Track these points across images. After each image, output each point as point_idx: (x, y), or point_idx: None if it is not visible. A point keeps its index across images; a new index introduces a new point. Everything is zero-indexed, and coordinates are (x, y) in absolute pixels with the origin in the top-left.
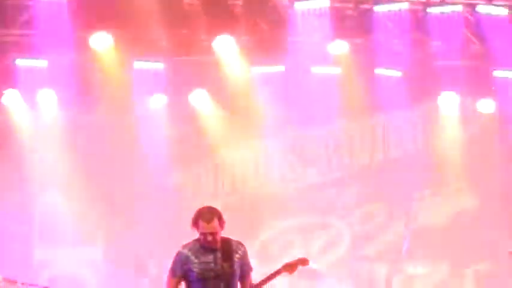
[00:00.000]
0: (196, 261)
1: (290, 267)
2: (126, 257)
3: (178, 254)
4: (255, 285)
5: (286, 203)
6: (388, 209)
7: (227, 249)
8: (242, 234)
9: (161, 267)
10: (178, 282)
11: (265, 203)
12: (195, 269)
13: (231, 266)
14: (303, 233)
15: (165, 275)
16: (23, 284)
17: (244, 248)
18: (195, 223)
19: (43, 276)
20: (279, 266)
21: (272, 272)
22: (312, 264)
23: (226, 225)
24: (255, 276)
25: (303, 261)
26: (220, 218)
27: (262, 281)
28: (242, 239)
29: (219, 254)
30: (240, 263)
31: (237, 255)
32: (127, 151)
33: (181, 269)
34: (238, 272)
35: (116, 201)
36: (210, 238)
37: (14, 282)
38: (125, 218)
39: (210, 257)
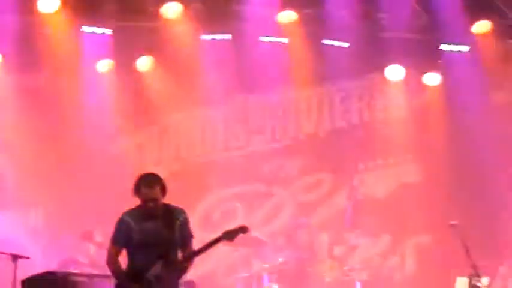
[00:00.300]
0: (137, 228)
1: (230, 235)
2: (69, 223)
3: (120, 220)
4: (194, 251)
5: (230, 170)
6: (332, 179)
7: (168, 217)
8: (185, 201)
9: (105, 235)
10: (119, 249)
11: (209, 171)
12: (136, 236)
13: (172, 233)
14: (246, 201)
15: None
16: None
17: (186, 215)
18: (137, 189)
19: None
20: (220, 233)
21: (212, 239)
22: (253, 232)
23: (170, 192)
24: (197, 244)
25: (244, 229)
26: (162, 185)
27: (202, 247)
28: (185, 206)
29: (160, 221)
30: (181, 231)
31: (178, 223)
32: (72, 116)
33: (122, 236)
34: (179, 239)
35: (59, 165)
36: (151, 204)
37: None
38: (69, 183)
39: (151, 224)
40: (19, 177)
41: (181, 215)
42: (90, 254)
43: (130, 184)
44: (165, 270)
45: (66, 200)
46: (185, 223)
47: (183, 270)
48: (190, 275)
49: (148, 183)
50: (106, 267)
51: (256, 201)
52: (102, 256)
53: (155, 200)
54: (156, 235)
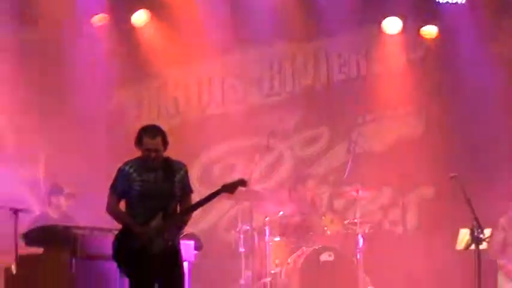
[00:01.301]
0: (138, 178)
1: (229, 188)
2: (67, 177)
3: (120, 170)
4: (193, 204)
5: (229, 125)
6: (330, 133)
7: (168, 170)
8: (184, 156)
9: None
10: (119, 199)
11: (207, 125)
12: (136, 187)
13: (171, 187)
14: (245, 155)
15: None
16: None
17: (186, 168)
18: (139, 140)
19: None
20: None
21: (211, 192)
22: (253, 186)
23: (169, 147)
24: (196, 198)
25: (242, 182)
26: (164, 137)
27: (201, 200)
28: (184, 160)
29: (160, 174)
30: (180, 184)
31: (178, 176)
32: (69, 70)
33: (122, 186)
34: (178, 192)
35: (57, 121)
36: (153, 155)
37: None
38: (67, 138)
39: (151, 176)
40: (18, 132)
41: (181, 168)
42: (60, 206)
43: (128, 139)
44: (165, 223)
45: (64, 155)
46: (185, 177)
47: (183, 223)
48: (192, 229)
49: (151, 133)
50: (76, 220)
51: (256, 155)
52: (72, 209)
53: (157, 150)
54: (156, 187)
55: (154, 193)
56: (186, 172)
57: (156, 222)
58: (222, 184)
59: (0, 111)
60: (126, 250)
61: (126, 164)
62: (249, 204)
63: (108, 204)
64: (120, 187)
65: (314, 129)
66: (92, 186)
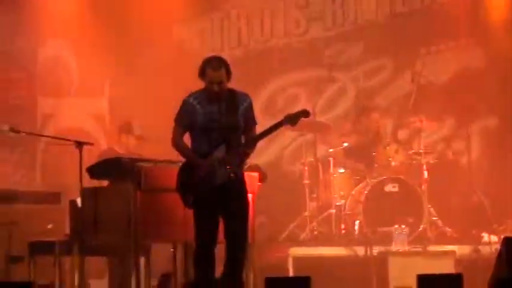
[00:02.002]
0: (201, 110)
1: (292, 119)
2: (131, 109)
3: (184, 102)
4: (257, 135)
5: (291, 57)
6: (393, 64)
7: (232, 101)
8: (247, 87)
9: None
10: (183, 132)
11: (270, 57)
12: (199, 119)
13: (235, 118)
14: (308, 87)
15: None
16: (28, 134)
17: (250, 100)
18: (202, 71)
19: (48, 127)
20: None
21: (274, 123)
22: (317, 118)
23: (232, 78)
24: (259, 130)
25: (305, 113)
26: (227, 68)
27: (264, 131)
28: (247, 92)
29: (224, 105)
30: (244, 116)
31: (242, 108)
32: (133, 4)
33: (186, 118)
34: (242, 124)
35: (121, 53)
36: (216, 88)
37: (19, 132)
38: (132, 70)
39: (215, 107)
40: (83, 66)
41: (245, 100)
42: (128, 146)
43: (191, 70)
44: (228, 154)
45: (129, 87)
46: (249, 108)
47: (245, 154)
48: (256, 160)
49: (214, 65)
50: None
51: (319, 86)
52: (139, 149)
53: (220, 82)
54: (219, 119)
55: (217, 125)
56: (250, 104)
57: (219, 154)
58: (284, 115)
59: (66, 45)
60: (190, 180)
61: (189, 95)
62: (313, 136)
63: (172, 137)
64: (184, 119)
65: (377, 61)
66: (154, 120)
